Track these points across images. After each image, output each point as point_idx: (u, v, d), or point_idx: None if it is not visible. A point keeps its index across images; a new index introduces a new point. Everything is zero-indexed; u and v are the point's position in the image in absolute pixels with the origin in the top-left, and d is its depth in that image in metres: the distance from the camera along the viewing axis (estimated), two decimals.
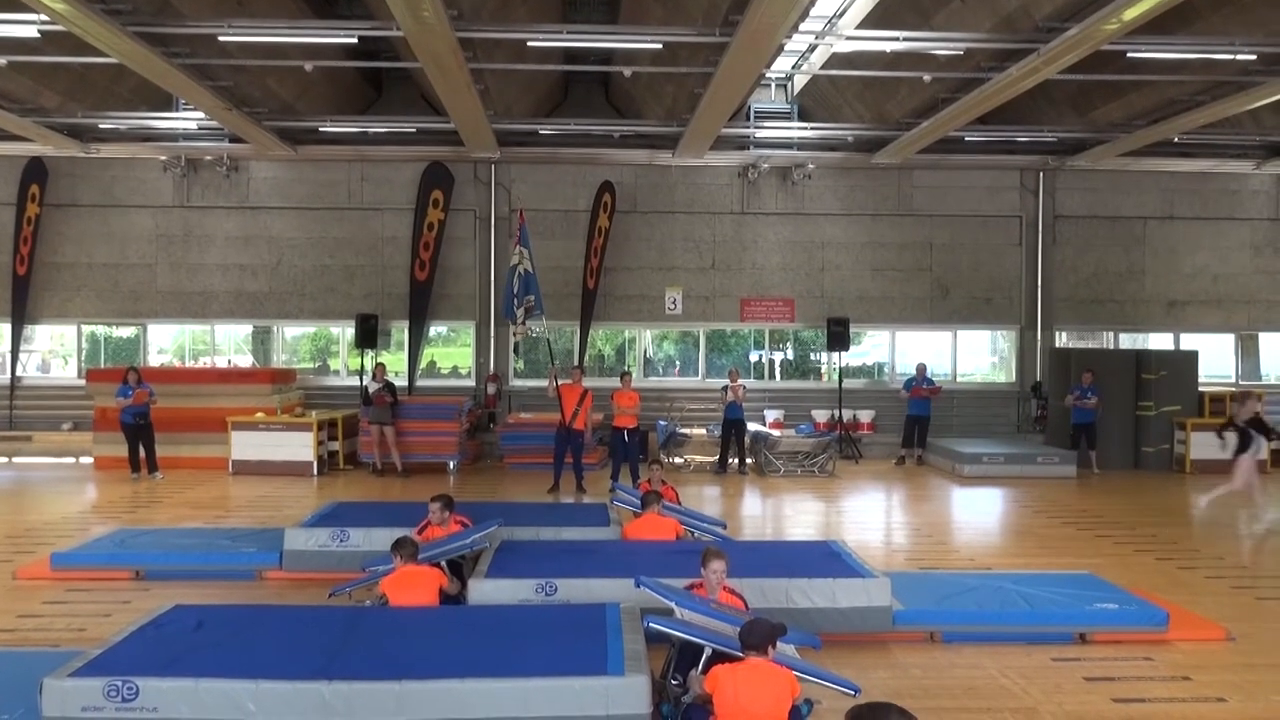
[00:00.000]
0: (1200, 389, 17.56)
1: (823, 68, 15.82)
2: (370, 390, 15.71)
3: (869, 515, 13.39)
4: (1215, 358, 19.64)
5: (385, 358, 18.07)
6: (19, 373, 18.68)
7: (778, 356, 20.16)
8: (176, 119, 17.48)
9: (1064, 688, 6.43)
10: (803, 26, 13.06)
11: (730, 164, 18.86)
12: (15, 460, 17.36)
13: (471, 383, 19.08)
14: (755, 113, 18.23)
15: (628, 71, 14.94)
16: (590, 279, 18.40)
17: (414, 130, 17.82)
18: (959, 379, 19.76)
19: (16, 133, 16.54)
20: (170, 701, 5.00)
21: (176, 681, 5.06)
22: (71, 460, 17.23)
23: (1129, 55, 13.02)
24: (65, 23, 11.43)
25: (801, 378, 20.13)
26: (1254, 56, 12.89)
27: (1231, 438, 12.62)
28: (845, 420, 18.31)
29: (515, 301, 16.33)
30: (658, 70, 14.66)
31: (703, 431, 17.37)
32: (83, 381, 17.58)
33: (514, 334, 17.44)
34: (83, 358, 19.21)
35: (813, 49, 15.94)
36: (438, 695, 5.05)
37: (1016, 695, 6.30)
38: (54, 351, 20.16)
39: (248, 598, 8.11)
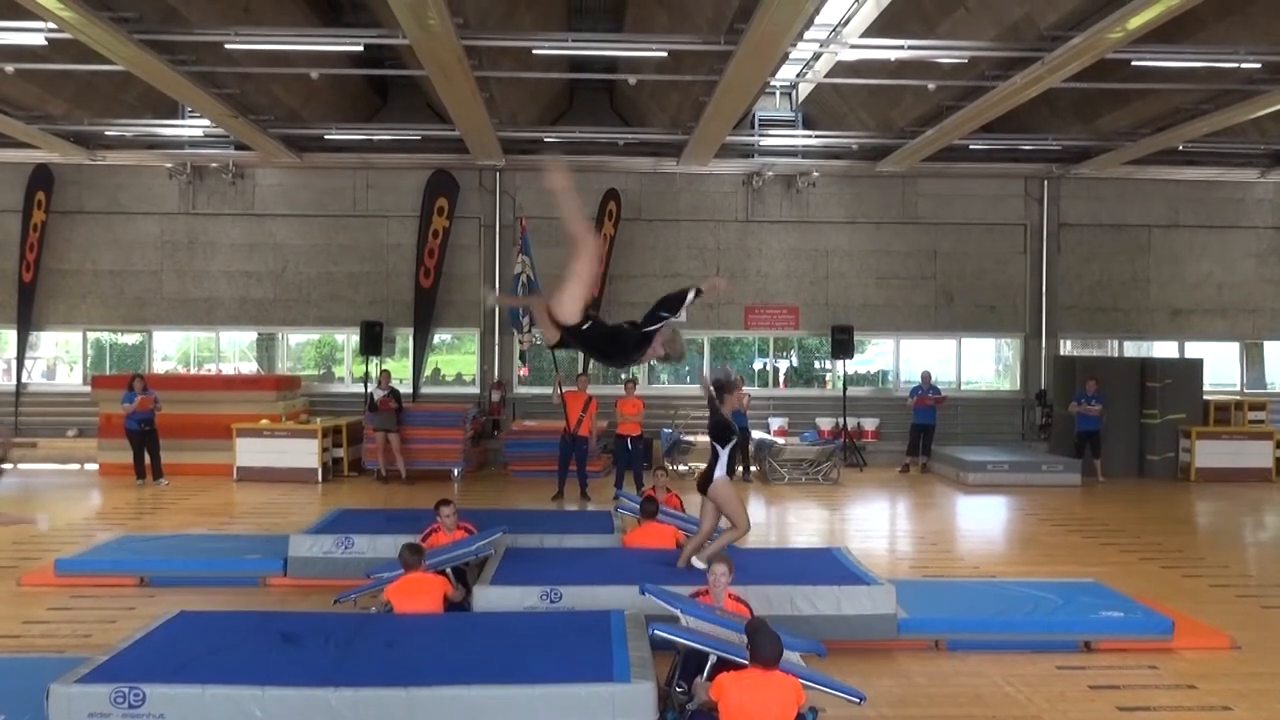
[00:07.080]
0: (1205, 397, 17.52)
1: (827, 76, 15.84)
2: (375, 397, 15.73)
3: (873, 523, 13.39)
4: (1220, 366, 19.59)
5: (390, 365, 18.07)
6: (25, 379, 18.70)
7: (782, 364, 20.16)
8: (182, 126, 17.53)
9: (1068, 696, 6.42)
10: (807, 35, 13.07)
11: (735, 172, 18.86)
12: (20, 466, 17.32)
13: (476, 390, 19.09)
14: (760, 120, 18.23)
15: (632, 79, 14.94)
16: (595, 286, 18.33)
17: (419, 138, 17.84)
18: (963, 387, 19.74)
19: (23, 140, 16.58)
20: (177, 708, 5.01)
21: (183, 688, 5.08)
22: (76, 466, 17.23)
23: (1134, 64, 13.00)
24: (72, 30, 11.46)
25: (806, 385, 20.14)
26: (1259, 65, 12.87)
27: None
28: (850, 428, 18.28)
29: (520, 311, 16.33)
30: (662, 78, 14.67)
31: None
32: (88, 388, 17.59)
33: (519, 342, 17.47)
34: (88, 364, 19.23)
35: (817, 57, 15.96)
36: (445, 702, 5.06)
37: (1021, 703, 6.29)
38: (59, 358, 20.22)
39: (252, 604, 8.11)
